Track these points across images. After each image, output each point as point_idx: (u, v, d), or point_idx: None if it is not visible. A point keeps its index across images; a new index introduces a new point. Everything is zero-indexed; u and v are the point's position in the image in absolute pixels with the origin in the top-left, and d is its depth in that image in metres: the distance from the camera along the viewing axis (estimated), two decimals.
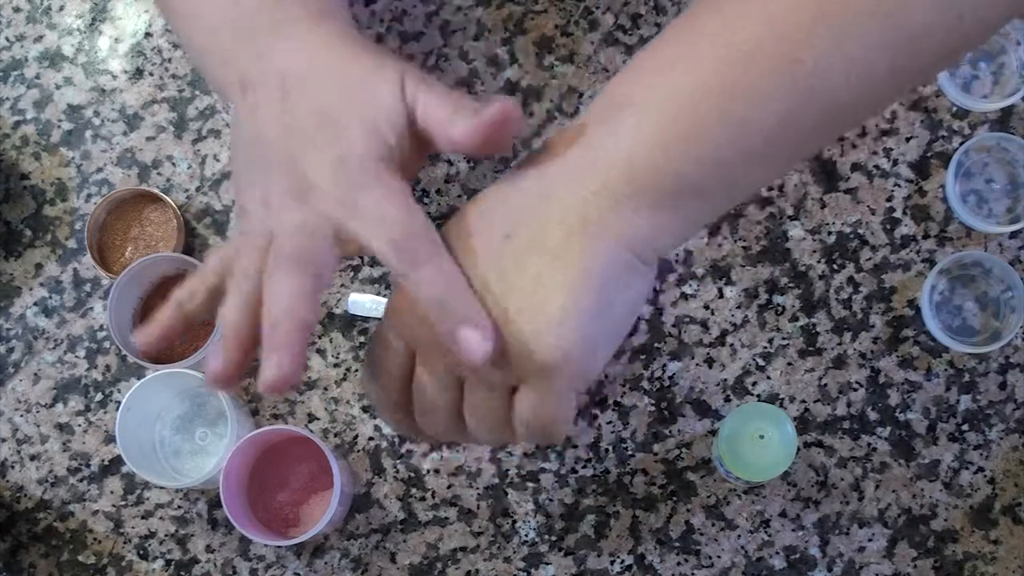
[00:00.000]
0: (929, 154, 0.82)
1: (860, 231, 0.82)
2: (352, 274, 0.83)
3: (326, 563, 0.81)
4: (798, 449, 0.78)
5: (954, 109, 0.83)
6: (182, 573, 0.82)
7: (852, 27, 0.49)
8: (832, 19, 0.49)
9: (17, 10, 0.87)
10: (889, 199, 0.82)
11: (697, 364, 0.81)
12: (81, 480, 0.83)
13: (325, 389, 0.82)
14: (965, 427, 0.80)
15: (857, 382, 0.81)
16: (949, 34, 0.51)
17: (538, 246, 0.50)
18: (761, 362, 0.81)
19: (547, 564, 0.80)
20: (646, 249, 0.52)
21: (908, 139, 0.82)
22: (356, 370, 0.82)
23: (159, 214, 0.83)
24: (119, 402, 0.80)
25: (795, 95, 0.50)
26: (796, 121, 0.51)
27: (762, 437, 0.74)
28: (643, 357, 0.82)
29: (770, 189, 0.82)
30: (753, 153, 0.51)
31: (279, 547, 0.81)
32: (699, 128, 0.50)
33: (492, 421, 0.54)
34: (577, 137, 0.51)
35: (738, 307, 0.82)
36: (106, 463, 0.83)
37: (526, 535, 0.81)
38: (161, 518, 0.82)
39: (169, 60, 0.86)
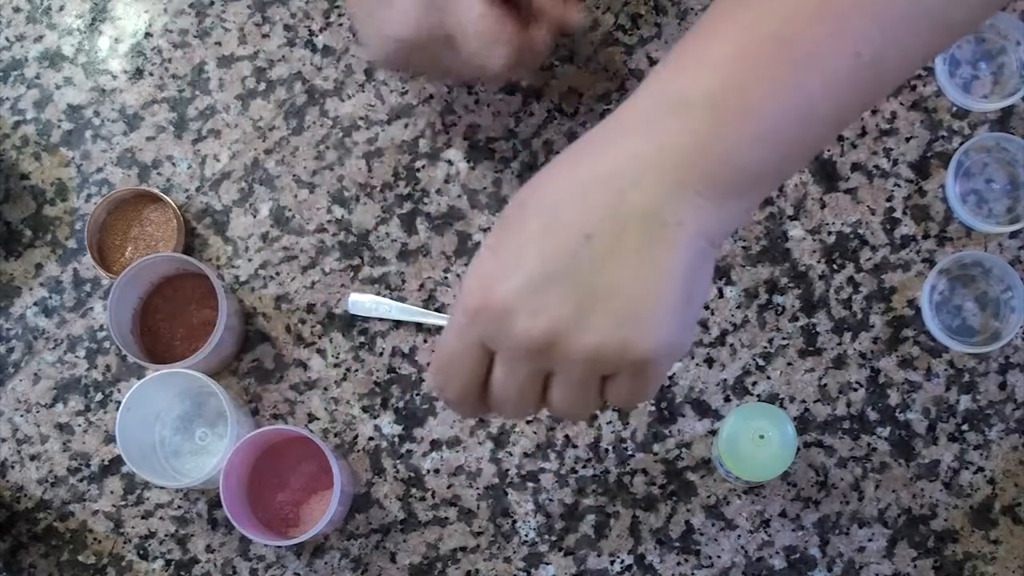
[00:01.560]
0: (929, 154, 0.82)
1: (860, 231, 0.82)
2: (352, 274, 0.83)
3: (326, 563, 0.81)
4: (798, 449, 0.78)
5: (954, 109, 0.83)
6: (182, 573, 0.82)
7: (898, 15, 0.51)
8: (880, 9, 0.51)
9: (17, 10, 0.87)
10: (889, 199, 0.82)
11: (697, 364, 0.81)
12: (81, 480, 0.83)
13: (325, 389, 0.82)
14: (965, 427, 0.80)
15: (857, 382, 0.81)
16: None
17: (621, 247, 0.50)
18: (761, 362, 0.81)
19: (547, 564, 0.80)
20: (718, 236, 0.52)
21: (908, 139, 0.82)
22: (356, 370, 0.83)
23: (159, 214, 0.83)
24: (119, 402, 0.80)
25: (854, 84, 0.52)
26: (850, 104, 0.53)
27: (762, 437, 0.73)
28: None
29: None
30: (813, 139, 0.53)
31: (279, 547, 0.81)
32: (769, 123, 0.51)
33: (582, 408, 0.54)
34: (645, 126, 0.51)
35: (738, 307, 0.82)
36: (106, 463, 0.83)
37: (526, 535, 0.81)
38: (161, 518, 0.82)
39: (169, 60, 0.86)
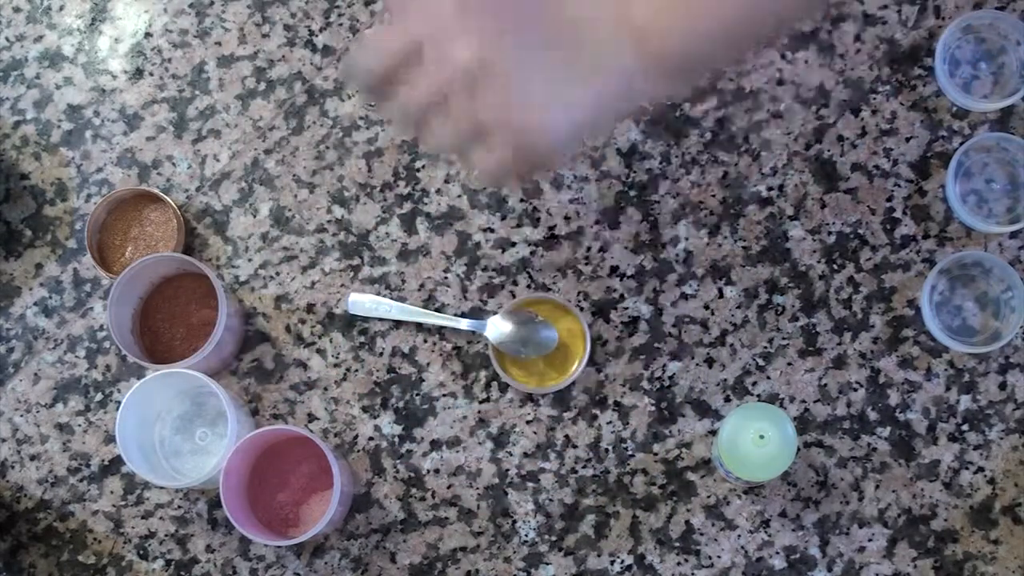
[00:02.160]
0: (929, 154, 0.82)
1: (860, 231, 0.82)
2: (352, 274, 0.83)
3: (326, 563, 0.81)
4: (798, 449, 0.78)
5: (954, 109, 0.83)
6: (182, 573, 0.82)
7: None
8: None
9: (17, 10, 0.87)
10: (889, 199, 0.82)
11: (697, 364, 0.81)
12: (81, 480, 0.83)
13: (325, 389, 0.82)
14: (965, 427, 0.80)
15: (857, 382, 0.81)
16: None
17: None
18: (761, 362, 0.81)
19: (547, 564, 0.80)
20: None
21: (908, 139, 0.82)
22: (356, 370, 0.82)
23: (159, 214, 0.83)
24: (119, 402, 0.80)
25: None
26: None
27: (762, 437, 0.73)
28: (643, 357, 0.82)
29: (770, 189, 0.82)
30: None
31: (279, 547, 0.81)
32: None
33: None
34: None
35: (738, 307, 0.82)
36: (106, 463, 0.83)
37: (526, 535, 0.81)
38: (161, 518, 0.82)
39: (169, 60, 0.86)
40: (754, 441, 0.74)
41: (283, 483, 0.81)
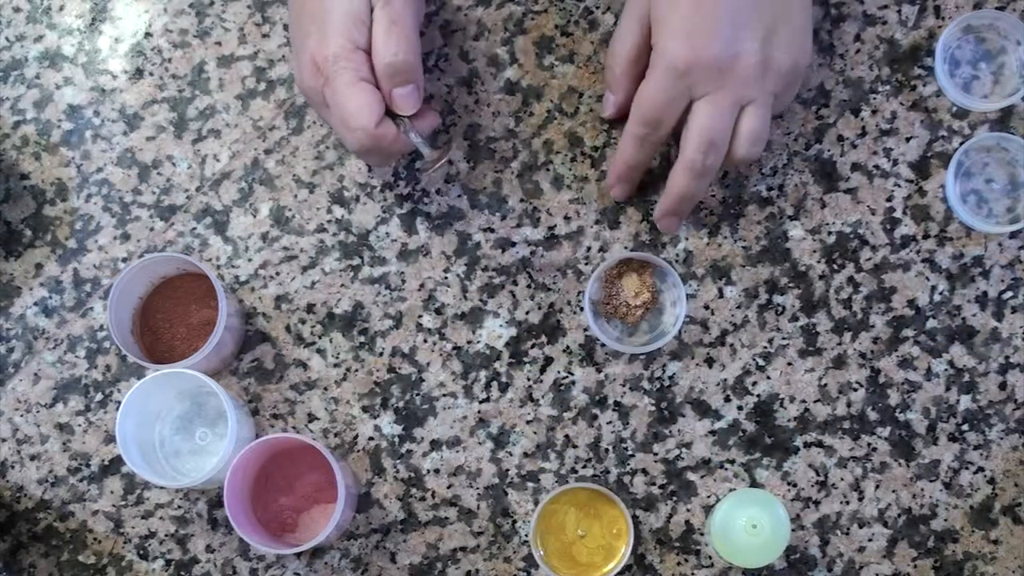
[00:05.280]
0: (929, 154, 0.82)
1: (860, 231, 0.82)
2: (352, 274, 0.83)
3: (326, 563, 0.81)
4: (792, 529, 0.78)
5: (954, 109, 0.83)
6: (182, 573, 0.82)
7: None
8: None
9: (17, 10, 0.87)
10: (889, 199, 0.82)
11: (697, 364, 0.81)
12: (81, 480, 0.83)
13: (325, 389, 0.82)
14: (965, 427, 0.80)
15: (857, 382, 0.81)
16: None
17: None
18: (761, 362, 0.81)
19: None
20: None
21: (908, 139, 0.82)
22: (356, 370, 0.82)
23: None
24: (119, 402, 0.80)
25: None
26: None
27: (755, 526, 0.74)
28: (643, 357, 0.82)
29: (770, 189, 0.82)
30: None
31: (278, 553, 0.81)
32: None
33: (765, 130, 0.74)
34: None
35: (738, 307, 0.82)
36: (106, 463, 0.83)
37: (526, 535, 0.81)
38: (161, 518, 0.82)
39: (169, 60, 0.86)
40: (746, 530, 0.74)
41: (288, 487, 0.81)
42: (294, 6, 0.77)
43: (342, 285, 0.83)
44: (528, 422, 0.81)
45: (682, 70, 0.71)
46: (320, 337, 0.83)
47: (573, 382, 0.82)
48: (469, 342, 0.82)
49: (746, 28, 0.71)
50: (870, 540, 0.80)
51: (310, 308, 0.83)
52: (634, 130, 0.75)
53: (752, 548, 0.75)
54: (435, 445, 0.82)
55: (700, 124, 0.73)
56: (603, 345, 0.82)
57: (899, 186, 0.82)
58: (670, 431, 0.81)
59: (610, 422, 0.81)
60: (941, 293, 0.81)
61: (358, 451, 0.82)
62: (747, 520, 0.74)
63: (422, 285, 0.83)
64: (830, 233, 0.82)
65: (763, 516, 0.74)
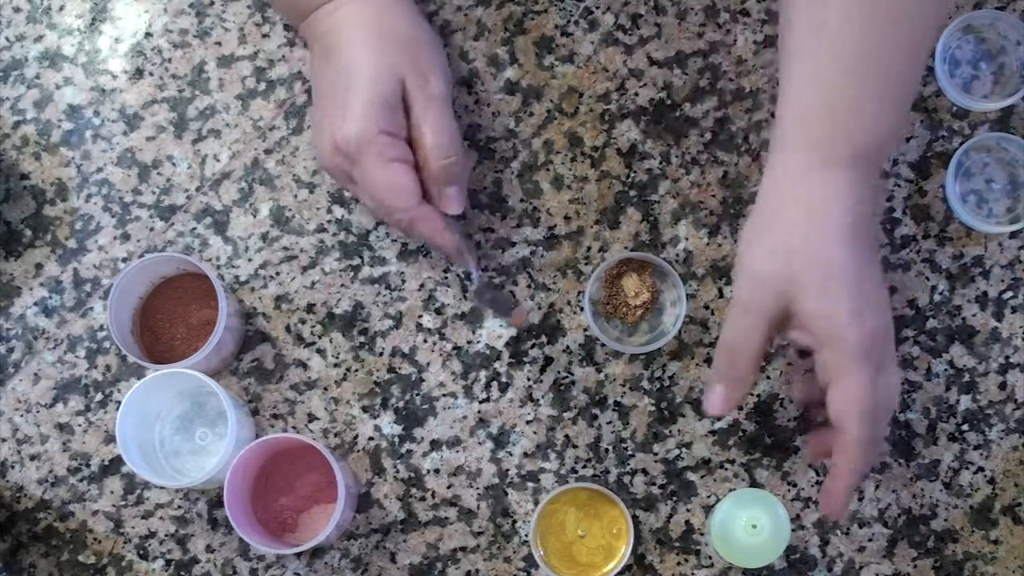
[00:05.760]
0: (929, 154, 0.82)
1: None
2: (352, 274, 0.83)
3: (326, 563, 0.81)
4: (792, 530, 0.78)
5: (954, 109, 0.83)
6: (182, 573, 0.82)
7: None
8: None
9: (17, 10, 0.87)
10: (889, 199, 0.82)
11: (697, 364, 0.81)
12: (81, 480, 0.83)
13: (325, 389, 0.82)
14: (965, 427, 0.80)
15: None
16: None
17: (877, 243, 0.77)
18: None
19: None
20: None
21: (908, 139, 0.82)
22: (356, 370, 0.82)
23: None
24: (119, 402, 0.80)
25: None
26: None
27: (755, 527, 0.74)
28: (643, 357, 0.82)
29: None
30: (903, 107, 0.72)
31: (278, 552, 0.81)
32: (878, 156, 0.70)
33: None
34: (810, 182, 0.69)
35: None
36: (106, 463, 0.83)
37: (526, 535, 0.81)
38: (161, 518, 0.82)
39: (169, 60, 0.86)
40: (746, 530, 0.74)
41: (289, 487, 0.81)
42: (317, 83, 0.77)
43: (342, 285, 0.83)
44: (528, 422, 0.81)
45: (869, 352, 0.68)
46: (320, 337, 0.83)
47: (573, 382, 0.82)
48: (469, 342, 0.82)
49: (884, 290, 0.70)
50: (870, 540, 0.80)
51: (310, 308, 0.83)
52: (862, 435, 0.68)
53: (752, 548, 0.75)
54: (435, 445, 0.82)
55: (880, 396, 0.69)
56: (603, 345, 0.82)
57: (899, 186, 0.82)
58: (670, 431, 0.81)
59: (610, 422, 0.81)
60: (941, 293, 0.81)
61: (358, 451, 0.82)
62: (747, 520, 0.74)
63: (422, 285, 0.83)
64: None
65: (763, 516, 0.74)
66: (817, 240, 0.68)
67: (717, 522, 0.76)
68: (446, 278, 0.83)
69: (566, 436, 0.81)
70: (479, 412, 0.82)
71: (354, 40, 0.75)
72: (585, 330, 0.82)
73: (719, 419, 0.80)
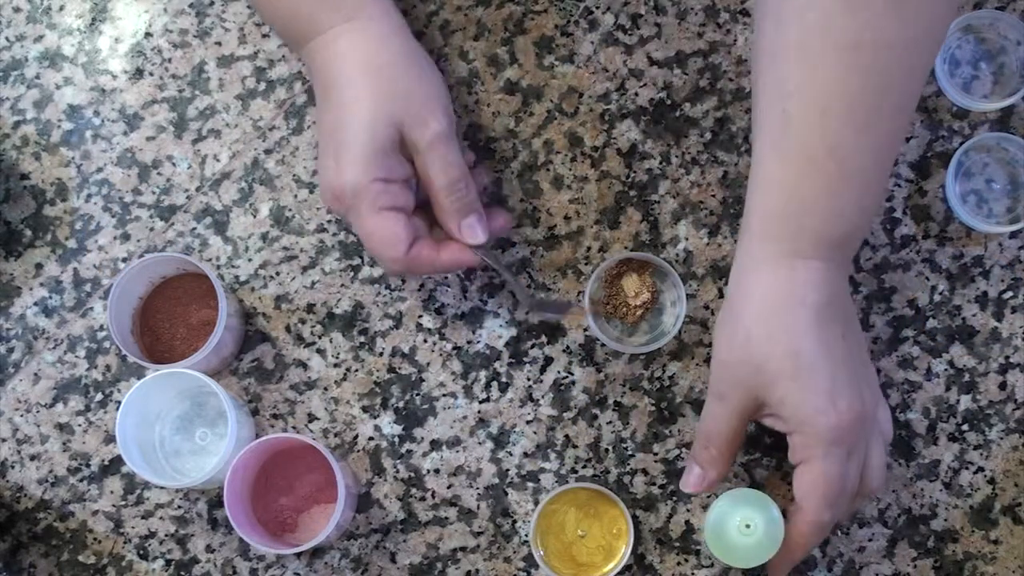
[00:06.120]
0: (929, 154, 0.82)
1: None
2: (352, 274, 0.83)
3: (326, 563, 0.81)
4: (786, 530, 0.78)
5: (954, 109, 0.83)
6: (182, 573, 0.82)
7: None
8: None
9: (17, 10, 0.87)
10: (889, 199, 0.82)
11: (697, 364, 0.81)
12: (81, 480, 0.83)
13: (325, 389, 0.82)
14: (965, 427, 0.80)
15: None
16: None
17: (856, 326, 0.74)
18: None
19: None
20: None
21: (908, 139, 0.82)
22: (356, 370, 0.83)
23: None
24: (119, 402, 0.80)
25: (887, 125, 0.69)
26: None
27: (748, 526, 0.74)
28: (643, 357, 0.82)
29: None
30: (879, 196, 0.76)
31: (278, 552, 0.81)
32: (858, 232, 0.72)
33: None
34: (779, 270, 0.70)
35: None
36: (106, 463, 0.83)
37: (526, 535, 0.81)
38: (161, 518, 0.82)
39: (169, 60, 0.86)
40: (740, 530, 0.74)
41: (289, 488, 0.81)
42: (319, 117, 0.76)
43: (342, 285, 0.83)
44: (528, 422, 0.81)
45: (840, 437, 0.69)
46: (320, 337, 0.83)
47: (573, 382, 0.82)
48: (469, 342, 0.82)
49: (861, 375, 0.71)
50: (870, 540, 0.80)
51: (310, 308, 0.83)
52: (820, 519, 0.71)
53: (744, 548, 0.74)
54: (435, 445, 0.82)
55: (843, 477, 0.70)
56: (603, 345, 0.82)
57: (899, 186, 0.82)
58: (670, 431, 0.81)
59: (610, 422, 0.81)
60: (941, 293, 0.81)
61: (358, 451, 0.82)
62: (741, 520, 0.74)
63: (422, 285, 0.83)
64: None
65: (757, 516, 0.74)
66: (783, 332, 0.69)
67: (711, 520, 0.76)
68: (446, 278, 0.83)
69: (566, 436, 0.81)
70: (479, 412, 0.82)
71: (350, 79, 0.74)
72: (585, 330, 0.82)
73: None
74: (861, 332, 0.74)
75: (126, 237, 0.84)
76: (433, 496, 0.81)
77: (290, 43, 0.80)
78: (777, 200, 0.69)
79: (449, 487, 0.81)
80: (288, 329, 0.83)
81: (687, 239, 0.82)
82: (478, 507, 0.81)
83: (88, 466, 0.83)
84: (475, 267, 0.78)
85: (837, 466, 0.69)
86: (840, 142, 0.67)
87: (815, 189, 0.68)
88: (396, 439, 0.82)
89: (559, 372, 0.82)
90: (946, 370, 0.81)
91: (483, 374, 0.82)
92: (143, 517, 0.82)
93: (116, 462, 0.83)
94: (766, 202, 0.70)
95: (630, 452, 0.81)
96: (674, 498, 0.80)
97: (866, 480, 0.73)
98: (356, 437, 0.82)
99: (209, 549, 0.82)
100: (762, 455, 0.80)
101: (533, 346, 0.82)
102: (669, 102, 0.83)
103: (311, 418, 0.82)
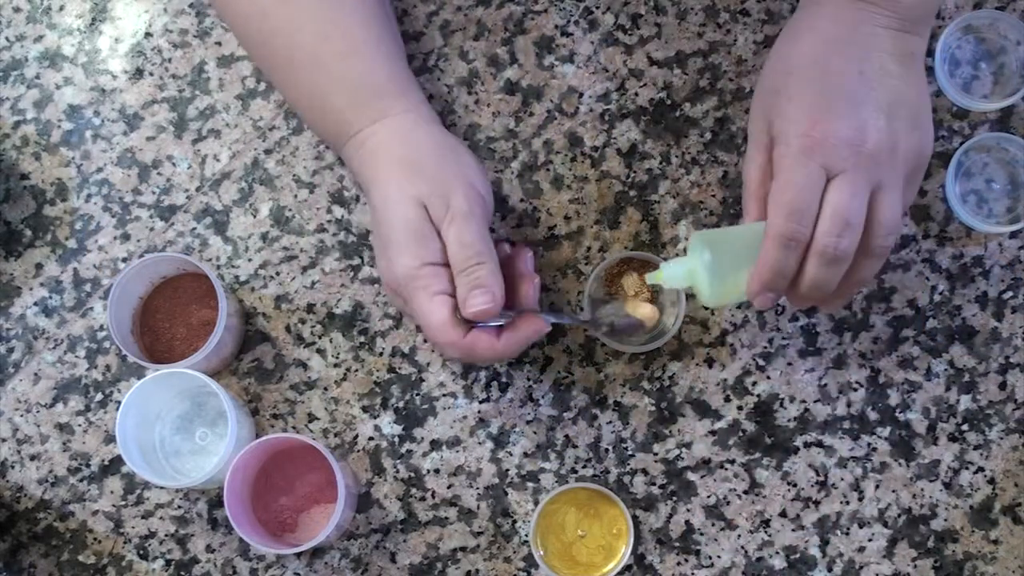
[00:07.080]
0: None
1: None
2: (352, 274, 0.83)
3: (326, 563, 0.81)
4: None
5: (954, 109, 0.83)
6: (182, 573, 0.82)
7: None
8: None
9: (17, 10, 0.87)
10: None
11: (697, 364, 0.81)
12: (81, 480, 0.83)
13: (325, 389, 0.82)
14: (965, 427, 0.80)
15: (857, 382, 0.81)
16: None
17: (887, 74, 0.71)
18: (761, 362, 0.81)
19: None
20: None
21: None
22: (356, 370, 0.83)
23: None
24: (119, 402, 0.80)
25: None
26: None
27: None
28: (643, 357, 0.82)
29: None
30: None
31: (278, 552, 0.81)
32: None
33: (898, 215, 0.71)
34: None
35: (738, 307, 0.82)
36: (106, 463, 0.83)
37: (526, 535, 0.81)
38: (161, 518, 0.82)
39: (169, 60, 0.86)
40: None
41: (289, 487, 0.81)
42: (374, 229, 0.77)
43: (342, 285, 0.83)
44: (528, 422, 0.81)
45: (812, 148, 0.68)
46: (320, 337, 0.83)
47: (573, 382, 0.82)
48: None
49: (867, 105, 0.69)
50: (870, 540, 0.80)
51: (310, 308, 0.83)
52: (779, 229, 0.68)
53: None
54: (435, 445, 0.82)
55: (834, 203, 0.68)
56: (603, 345, 0.82)
57: None
58: (670, 431, 0.81)
59: (610, 422, 0.81)
60: (941, 293, 0.81)
61: (358, 451, 0.82)
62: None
63: None
64: None
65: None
66: (790, 56, 0.72)
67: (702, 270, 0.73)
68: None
69: (566, 436, 0.81)
70: (479, 412, 0.82)
71: (384, 173, 0.75)
72: (585, 330, 0.82)
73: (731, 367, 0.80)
74: (912, 84, 0.71)
75: (126, 237, 0.84)
76: (433, 496, 0.81)
77: (330, 142, 0.81)
78: None
79: (449, 487, 0.81)
80: (288, 329, 0.83)
81: (687, 239, 0.82)
82: (478, 507, 0.81)
83: (88, 466, 0.83)
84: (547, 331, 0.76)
85: (803, 176, 0.68)
86: None
87: None
88: (396, 439, 0.82)
89: (559, 372, 0.82)
90: (946, 370, 0.81)
91: (483, 374, 0.82)
92: (143, 517, 0.82)
93: (116, 462, 0.83)
94: None
95: (630, 452, 0.81)
96: (674, 498, 0.80)
97: (869, 230, 0.70)
98: (356, 437, 0.82)
99: (209, 549, 0.82)
100: (762, 455, 0.80)
101: (533, 346, 0.82)
102: (669, 102, 0.83)
103: (311, 418, 0.82)
